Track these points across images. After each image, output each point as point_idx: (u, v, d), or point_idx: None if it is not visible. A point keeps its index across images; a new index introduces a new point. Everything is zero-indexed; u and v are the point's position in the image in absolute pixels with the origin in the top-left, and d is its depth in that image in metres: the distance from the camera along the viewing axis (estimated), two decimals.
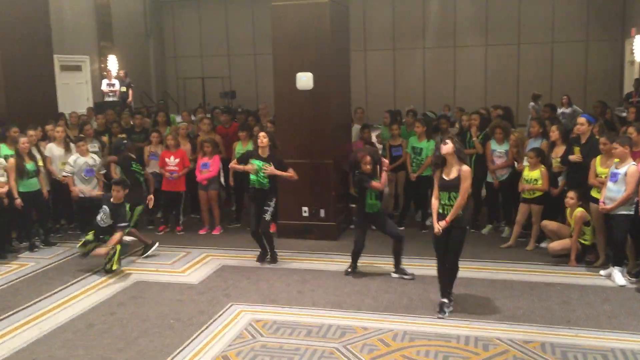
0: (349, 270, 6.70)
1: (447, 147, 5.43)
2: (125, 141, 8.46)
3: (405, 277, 6.51)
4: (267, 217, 7.00)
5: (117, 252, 6.93)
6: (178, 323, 5.53)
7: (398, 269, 6.59)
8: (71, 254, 7.77)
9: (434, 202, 5.59)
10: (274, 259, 7.18)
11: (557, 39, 17.83)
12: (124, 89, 16.28)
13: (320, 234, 8.02)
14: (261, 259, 7.22)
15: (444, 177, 5.51)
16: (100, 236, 7.11)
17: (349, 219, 8.65)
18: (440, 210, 5.52)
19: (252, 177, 7.01)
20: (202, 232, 8.60)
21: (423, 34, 18.89)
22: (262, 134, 7.07)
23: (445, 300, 5.64)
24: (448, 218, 5.45)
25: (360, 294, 6.14)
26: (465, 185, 5.37)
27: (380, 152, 8.32)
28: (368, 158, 6.40)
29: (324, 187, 7.97)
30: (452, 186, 5.43)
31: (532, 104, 13.94)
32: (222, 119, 9.84)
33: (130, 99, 16.29)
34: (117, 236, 6.92)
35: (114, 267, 6.91)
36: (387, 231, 6.56)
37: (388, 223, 6.60)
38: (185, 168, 8.60)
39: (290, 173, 7.05)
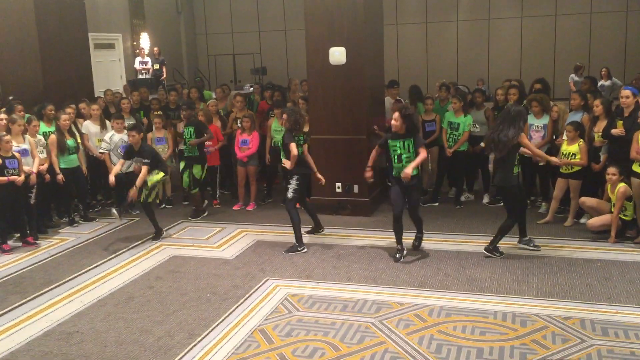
0: (397, 256, 6.35)
1: None
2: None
3: (398, 256, 6.34)
4: (289, 194, 6.76)
5: (158, 188, 7.35)
6: (215, 297, 5.60)
7: (401, 247, 6.41)
8: (110, 228, 7.93)
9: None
10: (290, 248, 6.80)
11: (595, 9, 17.24)
12: (157, 66, 16.37)
13: (354, 210, 8.00)
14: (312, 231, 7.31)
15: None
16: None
17: (384, 195, 8.62)
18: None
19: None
20: (236, 207, 8.67)
21: (456, 6, 18.47)
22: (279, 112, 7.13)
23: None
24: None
25: (395, 269, 6.12)
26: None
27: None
28: (396, 114, 6.13)
29: (357, 162, 7.91)
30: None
31: (572, 75, 13.55)
32: (267, 94, 9.80)
33: (164, 76, 16.39)
34: (143, 171, 7.13)
35: (150, 199, 7.24)
36: (408, 205, 6.40)
37: (413, 197, 6.34)
38: (219, 142, 8.66)
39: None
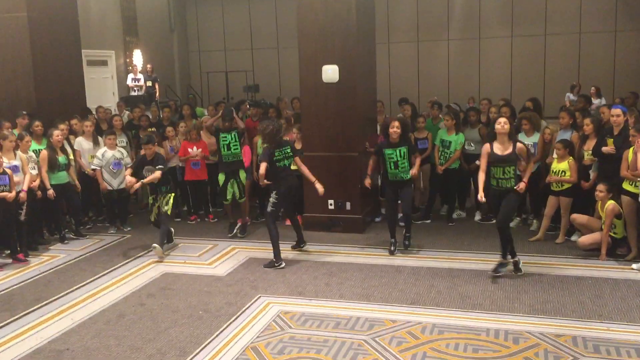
0: (392, 248, 7.01)
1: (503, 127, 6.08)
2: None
3: (392, 249, 6.98)
4: (268, 208, 6.91)
5: (171, 198, 7.54)
6: (207, 314, 5.57)
7: (406, 237, 7.10)
8: (100, 245, 7.89)
9: (482, 176, 6.18)
10: (269, 263, 6.86)
11: (584, 30, 17.49)
12: (150, 83, 16.41)
13: (346, 227, 8.01)
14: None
15: (497, 152, 6.07)
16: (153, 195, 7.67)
17: (375, 212, 8.65)
18: (494, 184, 6.17)
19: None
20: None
21: (447, 25, 18.68)
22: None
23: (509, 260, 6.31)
24: (526, 179, 6.22)
25: (388, 286, 6.12)
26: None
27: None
28: (396, 122, 6.79)
29: (349, 180, 7.96)
30: (507, 160, 6.08)
31: (568, 94, 13.69)
32: (252, 112, 9.85)
33: (157, 93, 16.42)
34: (156, 174, 7.31)
35: (169, 211, 7.54)
36: (402, 204, 7.06)
37: (406, 198, 6.97)
38: (205, 156, 8.78)
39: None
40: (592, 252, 6.82)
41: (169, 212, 7.57)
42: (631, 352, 4.62)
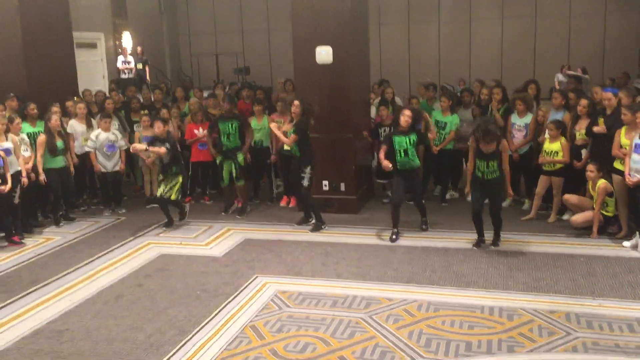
0: (393, 237, 6.92)
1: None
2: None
3: (394, 237, 6.90)
4: (305, 182, 7.23)
5: (179, 183, 7.58)
6: (205, 294, 5.61)
7: (423, 220, 7.25)
8: (96, 228, 7.88)
9: (470, 168, 6.45)
10: (314, 227, 7.42)
11: (574, 11, 17.52)
12: (140, 65, 16.27)
13: (340, 208, 8.04)
14: (302, 222, 7.61)
15: (482, 149, 6.21)
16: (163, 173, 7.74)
17: (370, 193, 8.69)
18: (479, 175, 6.37)
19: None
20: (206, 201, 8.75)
21: (438, 7, 18.63)
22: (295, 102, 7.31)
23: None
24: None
25: (383, 265, 6.18)
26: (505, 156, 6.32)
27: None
28: (408, 111, 6.85)
29: (344, 161, 7.98)
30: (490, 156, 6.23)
31: (558, 75, 13.71)
32: (245, 93, 9.81)
33: (147, 76, 16.28)
34: (162, 150, 7.46)
35: (173, 197, 7.57)
36: (413, 194, 7.15)
37: (417, 189, 7.09)
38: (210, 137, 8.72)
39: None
40: (584, 230, 6.91)
41: (172, 198, 7.57)
42: (623, 327, 4.72)
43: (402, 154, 6.82)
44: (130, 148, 7.61)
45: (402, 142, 6.83)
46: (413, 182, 7.01)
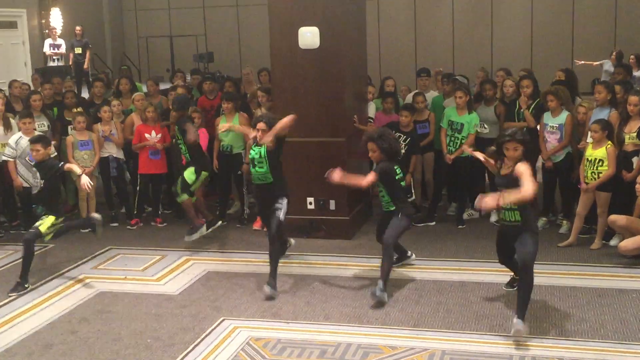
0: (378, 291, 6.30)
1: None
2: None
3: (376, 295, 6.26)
4: (282, 216, 6.80)
5: (52, 220, 7.02)
6: (157, 343, 5.59)
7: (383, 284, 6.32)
8: (15, 259, 7.81)
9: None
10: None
11: None
12: (79, 50, 16.25)
13: (330, 232, 8.06)
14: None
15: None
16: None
17: (367, 213, 8.72)
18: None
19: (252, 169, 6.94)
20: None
21: None
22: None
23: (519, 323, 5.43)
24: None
25: (385, 305, 6.20)
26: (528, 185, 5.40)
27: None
28: (371, 144, 6.49)
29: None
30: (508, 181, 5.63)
31: (606, 61, 13.80)
32: (207, 87, 9.86)
33: (87, 64, 16.29)
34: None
35: (43, 230, 6.92)
36: (383, 238, 6.61)
37: (390, 228, 6.55)
38: (166, 144, 8.83)
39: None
40: (636, 258, 6.99)
41: (42, 231, 6.93)
42: None
43: (384, 191, 6.62)
44: (65, 166, 7.20)
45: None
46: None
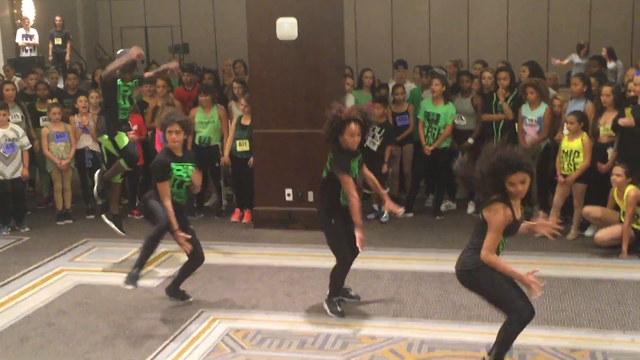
0: (338, 308, 5.82)
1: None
2: None
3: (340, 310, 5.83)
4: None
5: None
6: (135, 335, 5.60)
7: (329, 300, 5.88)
8: None
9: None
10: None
11: None
12: (59, 40, 16.07)
13: (308, 223, 8.08)
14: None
15: (516, 217, 4.44)
16: None
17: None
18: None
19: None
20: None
21: None
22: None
23: None
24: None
25: (364, 295, 6.25)
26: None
27: None
28: (354, 127, 5.59)
29: (313, 163, 8.02)
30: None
31: (573, 56, 14.00)
32: (185, 78, 9.83)
33: (68, 55, 16.12)
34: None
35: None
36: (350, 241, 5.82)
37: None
38: (142, 136, 8.77)
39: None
40: (611, 249, 7.12)
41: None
42: None
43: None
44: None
45: (355, 168, 5.81)
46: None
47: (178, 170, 5.99)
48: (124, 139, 7.29)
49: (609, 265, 6.85)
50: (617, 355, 5.06)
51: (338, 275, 5.85)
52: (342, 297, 6.01)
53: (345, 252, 5.79)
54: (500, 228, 4.34)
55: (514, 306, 4.47)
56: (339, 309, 5.84)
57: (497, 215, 4.31)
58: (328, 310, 5.84)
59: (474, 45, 18.50)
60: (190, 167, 6.09)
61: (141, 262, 5.98)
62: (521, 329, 4.51)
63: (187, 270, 6.22)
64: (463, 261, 4.64)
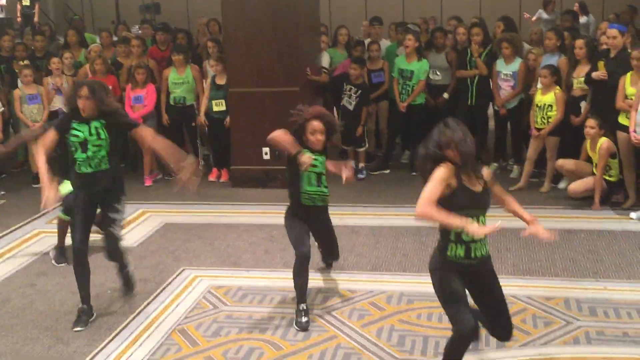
0: (302, 319, 5.06)
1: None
2: None
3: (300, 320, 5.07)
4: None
5: None
6: (118, 293, 5.63)
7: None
8: None
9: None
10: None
11: None
12: (26, 1, 15.77)
13: (285, 182, 8.11)
14: None
15: (469, 186, 3.91)
16: None
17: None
18: (462, 254, 3.99)
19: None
20: (148, 183, 8.75)
21: None
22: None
23: None
24: None
25: (343, 250, 6.26)
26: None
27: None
28: (317, 124, 5.13)
29: (289, 121, 8.03)
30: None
31: (540, 11, 14.03)
32: (159, 38, 9.73)
33: (37, 16, 15.82)
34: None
35: None
36: (324, 246, 5.65)
37: (329, 233, 5.52)
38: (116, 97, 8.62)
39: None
40: (583, 200, 7.28)
41: None
42: (632, 313, 5.03)
43: (313, 180, 5.22)
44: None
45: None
46: (326, 230, 5.50)
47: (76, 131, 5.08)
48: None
49: (582, 216, 7.00)
50: (590, 302, 5.20)
51: None
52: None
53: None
54: (438, 179, 3.80)
55: (456, 320, 3.95)
56: None
57: (438, 169, 3.84)
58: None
59: (448, 1, 18.46)
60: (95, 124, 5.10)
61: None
62: (463, 348, 3.99)
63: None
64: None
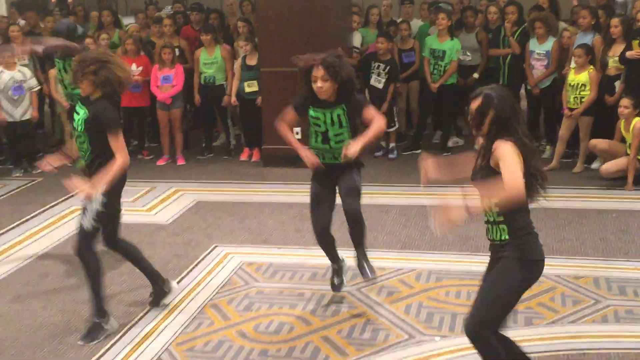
0: (336, 281, 5.11)
1: None
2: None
3: (365, 275, 5.05)
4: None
5: None
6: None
7: (360, 261, 5.09)
8: (4, 192, 7.95)
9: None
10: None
11: None
12: None
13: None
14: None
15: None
16: None
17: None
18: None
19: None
20: (160, 162, 8.86)
21: None
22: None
23: None
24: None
25: (373, 229, 6.38)
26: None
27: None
28: (315, 71, 4.67)
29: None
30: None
31: None
32: (193, 18, 9.83)
33: None
34: None
35: None
36: (343, 203, 5.07)
37: (349, 181, 4.97)
38: (148, 77, 8.81)
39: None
40: (616, 181, 7.26)
41: None
42: None
43: (321, 138, 4.87)
44: None
45: (319, 119, 4.84)
46: (343, 175, 4.94)
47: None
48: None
49: (615, 196, 7.00)
50: (620, 281, 5.23)
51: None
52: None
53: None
54: (515, 155, 3.46)
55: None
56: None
57: (505, 145, 3.47)
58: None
59: None
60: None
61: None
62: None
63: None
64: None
